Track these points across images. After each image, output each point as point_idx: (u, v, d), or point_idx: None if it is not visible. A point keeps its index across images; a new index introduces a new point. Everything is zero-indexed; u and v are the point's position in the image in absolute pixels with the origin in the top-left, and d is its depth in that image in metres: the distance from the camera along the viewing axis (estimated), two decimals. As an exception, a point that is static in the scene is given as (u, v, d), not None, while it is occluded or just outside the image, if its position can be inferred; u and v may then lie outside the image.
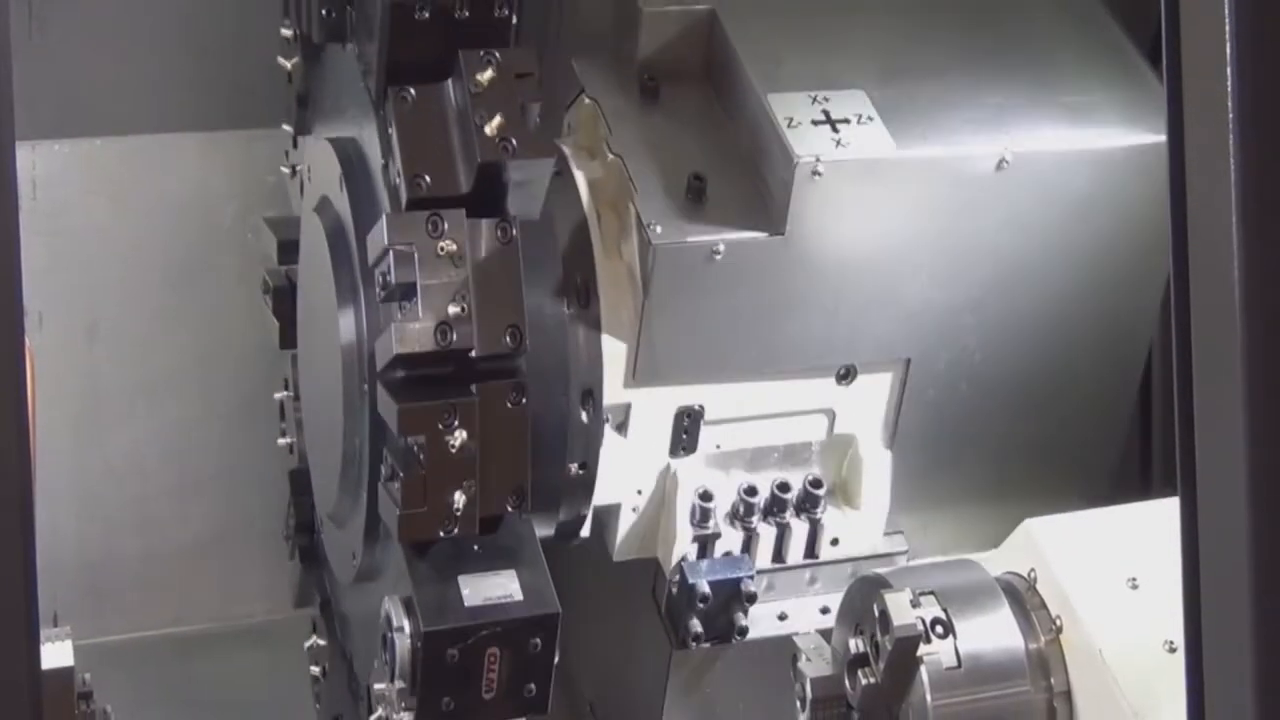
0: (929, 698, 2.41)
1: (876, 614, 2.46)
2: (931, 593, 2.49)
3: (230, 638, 3.99)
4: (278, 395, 3.41)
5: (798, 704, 2.61)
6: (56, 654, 2.37)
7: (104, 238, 3.76)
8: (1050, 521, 2.57)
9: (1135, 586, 2.44)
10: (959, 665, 2.43)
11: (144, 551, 3.93)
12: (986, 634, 2.47)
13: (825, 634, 2.67)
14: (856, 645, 2.51)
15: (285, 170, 3.36)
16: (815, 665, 2.61)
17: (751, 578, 2.99)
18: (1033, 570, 2.52)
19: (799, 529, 3.04)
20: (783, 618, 3.08)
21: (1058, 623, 2.45)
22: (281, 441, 3.43)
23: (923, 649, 2.43)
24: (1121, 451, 3.29)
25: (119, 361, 3.83)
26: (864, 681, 2.49)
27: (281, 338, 3.29)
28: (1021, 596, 2.52)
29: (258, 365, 3.66)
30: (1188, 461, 1.68)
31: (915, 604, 2.46)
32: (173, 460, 3.91)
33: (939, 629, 2.44)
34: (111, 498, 3.89)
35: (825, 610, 3.07)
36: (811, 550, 3.07)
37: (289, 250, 3.25)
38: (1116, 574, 2.46)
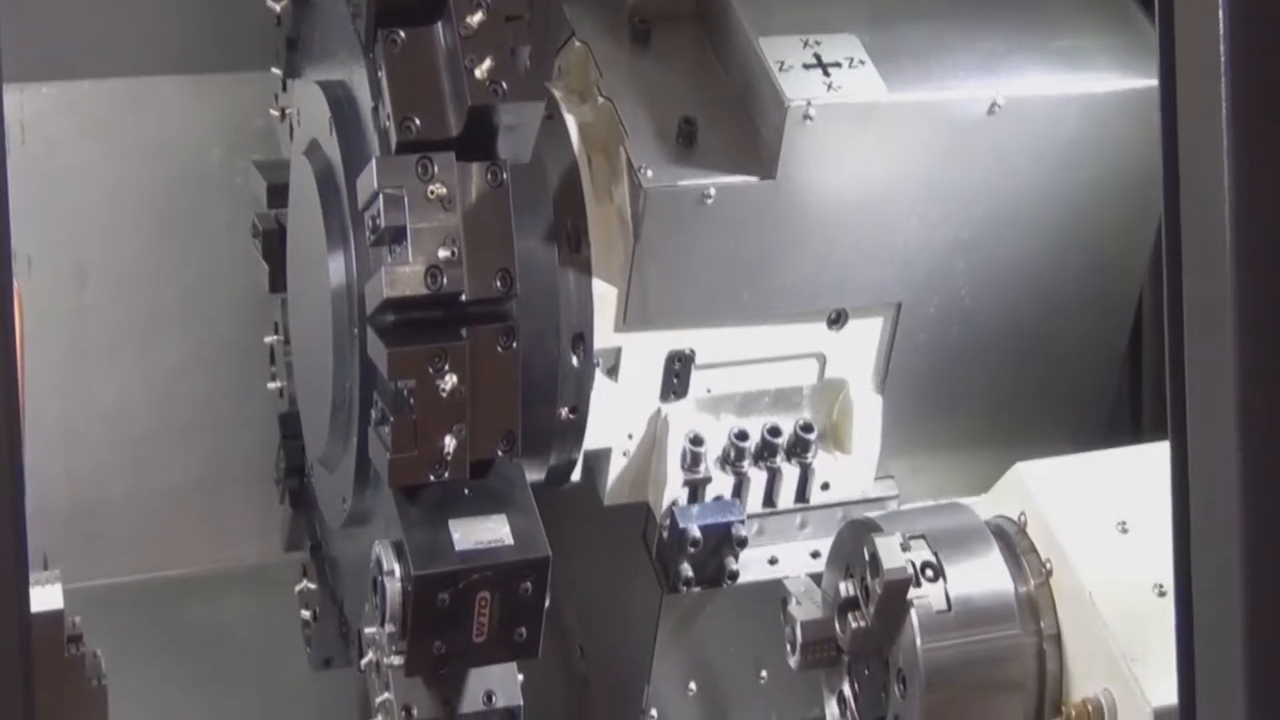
0: (919, 641, 2.41)
1: (867, 557, 2.46)
2: (922, 536, 2.49)
3: (220, 581, 3.99)
4: (268, 339, 3.40)
5: (788, 647, 2.61)
6: (46, 597, 2.37)
7: (93, 181, 3.74)
8: (1040, 465, 2.57)
9: (1125, 530, 2.45)
10: (949, 609, 2.44)
11: (133, 495, 3.93)
12: (976, 577, 2.47)
13: (816, 578, 2.68)
14: (846, 589, 2.52)
15: (274, 113, 3.34)
16: (805, 609, 2.61)
17: (742, 522, 2.99)
18: (1023, 514, 2.52)
19: (790, 473, 3.04)
20: (773, 562, 3.08)
21: (1048, 566, 2.46)
22: (271, 385, 3.42)
23: (913, 592, 2.43)
24: (1112, 395, 3.29)
25: (108, 305, 3.82)
26: (854, 625, 2.49)
27: (271, 282, 3.29)
28: (1011, 540, 2.52)
29: (247, 309, 3.65)
30: (1178, 405, 1.68)
31: (905, 548, 2.46)
32: (162, 404, 3.90)
33: (929, 572, 2.45)
34: (101, 441, 3.88)
35: (816, 554, 3.08)
36: (802, 495, 3.07)
37: (278, 194, 3.24)
38: (1106, 517, 2.47)
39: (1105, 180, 3.02)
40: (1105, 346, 3.22)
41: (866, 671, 2.56)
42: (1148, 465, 2.47)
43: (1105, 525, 2.46)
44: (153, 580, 3.94)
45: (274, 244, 3.26)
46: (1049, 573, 2.46)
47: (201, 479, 3.98)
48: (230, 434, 3.92)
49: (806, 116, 2.79)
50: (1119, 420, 3.40)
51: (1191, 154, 1.65)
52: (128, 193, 3.77)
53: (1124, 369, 3.35)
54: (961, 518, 2.56)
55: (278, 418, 3.40)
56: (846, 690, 2.60)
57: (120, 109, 3.74)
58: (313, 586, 3.35)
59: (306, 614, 3.39)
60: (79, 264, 3.80)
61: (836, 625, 2.54)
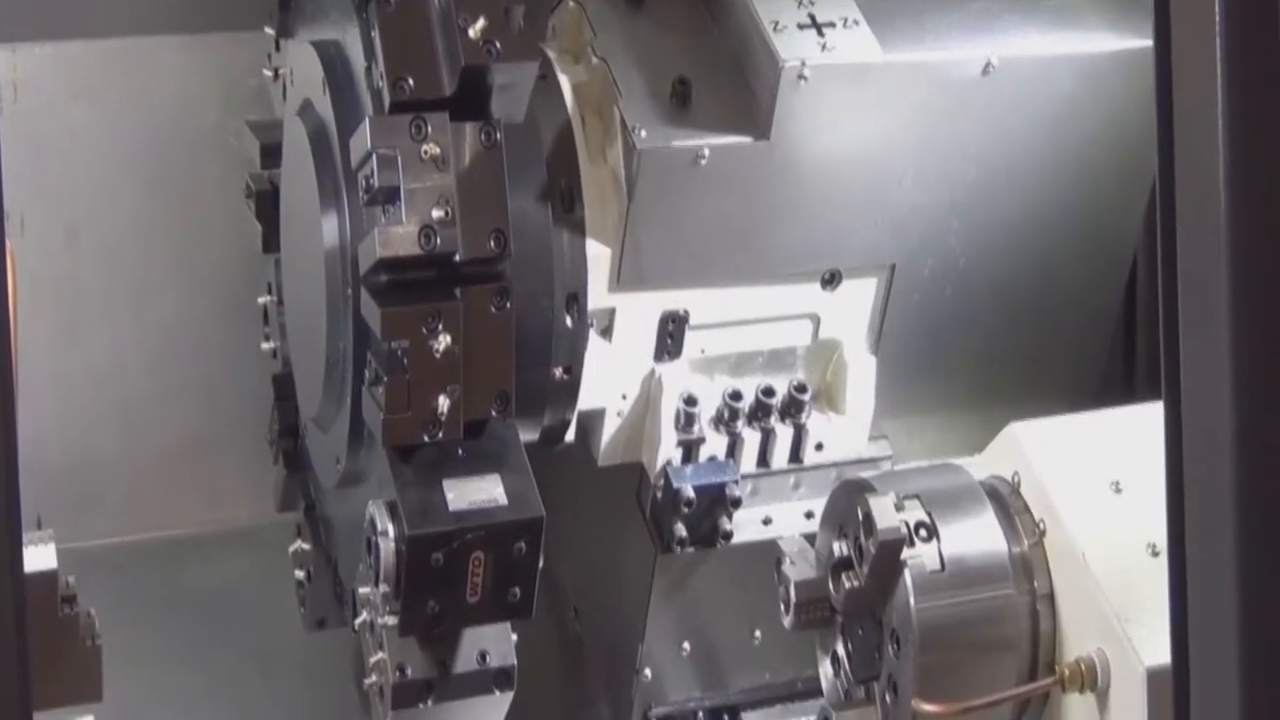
0: (912, 601, 2.42)
1: (860, 518, 2.46)
2: (915, 496, 2.49)
3: (214, 542, 3.99)
4: (261, 300, 3.40)
5: (782, 607, 2.62)
6: (39, 557, 2.37)
7: (85, 141, 3.74)
8: (1034, 425, 2.57)
9: (1119, 490, 2.45)
10: (942, 568, 2.44)
11: (127, 456, 3.93)
12: (970, 537, 2.48)
13: (810, 538, 2.68)
14: (840, 549, 2.52)
15: (268, 73, 3.34)
16: (799, 569, 2.62)
17: (736, 482, 2.99)
18: (1016, 474, 2.52)
19: (783, 434, 3.04)
20: (767, 522, 3.08)
21: (1041, 526, 2.46)
22: (265, 346, 3.41)
23: (906, 552, 2.43)
24: (1106, 355, 3.29)
25: (101, 265, 3.81)
26: (848, 585, 2.49)
27: (264, 242, 3.28)
28: (1005, 500, 2.52)
29: (240, 269, 3.64)
30: (1172, 365, 1.69)
31: (899, 508, 2.46)
32: (155, 364, 3.90)
33: (922, 532, 2.45)
34: (93, 402, 3.88)
35: (809, 515, 3.08)
36: (796, 455, 3.07)
37: (271, 154, 3.23)
38: (1100, 477, 2.47)
39: (1100, 140, 3.01)
40: (1099, 307, 3.22)
41: (860, 631, 2.56)
42: (1141, 425, 2.47)
43: (1099, 485, 2.46)
44: (146, 541, 3.94)
45: (267, 204, 3.24)
46: (1042, 533, 2.46)
47: (195, 440, 3.98)
48: (223, 394, 3.92)
49: (801, 77, 2.79)
50: (1113, 380, 3.40)
51: (1186, 114, 1.65)
52: (120, 153, 3.76)
53: (1118, 329, 3.35)
54: (955, 478, 2.57)
55: (271, 378, 3.40)
56: (840, 650, 2.61)
57: (113, 69, 3.73)
58: (306, 547, 3.35)
59: (300, 574, 3.39)
60: (72, 224, 3.80)
61: (830, 585, 2.54)
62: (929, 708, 2.38)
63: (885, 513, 2.44)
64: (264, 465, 3.49)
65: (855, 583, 2.48)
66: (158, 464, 3.96)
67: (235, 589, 3.87)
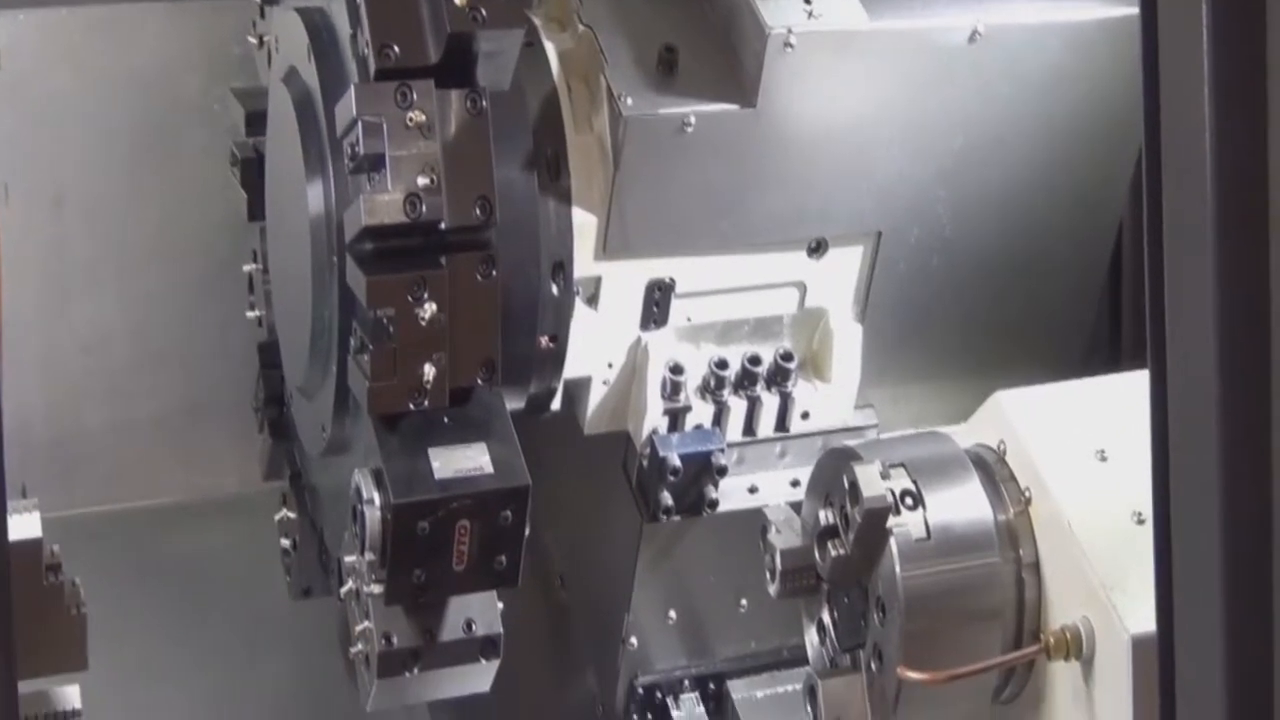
0: (898, 569, 2.42)
1: (846, 486, 2.46)
2: (901, 465, 2.49)
3: (200, 511, 3.99)
4: (246, 268, 3.39)
5: (767, 575, 2.62)
6: (24, 525, 2.36)
7: (70, 109, 3.73)
8: (1020, 394, 2.57)
9: (1104, 458, 2.45)
10: (928, 537, 2.44)
11: (112, 424, 3.92)
12: (956, 506, 2.47)
13: (795, 506, 2.68)
14: (826, 517, 2.52)
15: (253, 40, 3.32)
16: (785, 537, 2.62)
17: (722, 451, 2.99)
18: (1002, 442, 2.52)
19: (769, 402, 3.04)
20: (753, 491, 3.08)
21: (1027, 494, 2.46)
22: (250, 314, 3.40)
23: (892, 521, 2.43)
24: (1092, 324, 3.29)
25: (86, 233, 3.81)
26: (833, 553, 2.49)
27: (249, 210, 3.26)
28: (991, 468, 2.52)
29: (225, 237, 3.64)
30: (1157, 333, 1.69)
31: (885, 476, 2.46)
32: (141, 333, 3.89)
33: (908, 501, 2.45)
34: (79, 370, 3.87)
35: (795, 483, 3.08)
36: (782, 423, 3.07)
37: (256, 121, 3.21)
38: (1085, 446, 2.47)
39: (1086, 108, 3.01)
40: (1085, 276, 3.22)
41: (846, 599, 2.56)
42: (1127, 394, 2.47)
43: (1084, 454, 2.46)
44: (132, 510, 3.94)
45: (252, 172, 3.23)
46: (1028, 501, 2.46)
47: (180, 408, 3.97)
48: (209, 363, 3.91)
49: (787, 44, 2.78)
50: (1098, 349, 3.41)
51: (1173, 81, 1.64)
52: (105, 120, 3.75)
53: (1104, 297, 3.35)
54: (941, 446, 2.57)
55: (257, 347, 3.39)
56: (826, 618, 2.61)
57: (98, 36, 3.72)
58: (292, 515, 3.34)
59: (286, 543, 3.39)
60: (56, 192, 3.79)
61: (816, 553, 2.54)
62: (914, 675, 2.38)
63: (871, 481, 2.44)
64: (250, 434, 3.48)
65: (841, 551, 2.48)
66: (143, 432, 3.95)
67: (221, 557, 3.87)
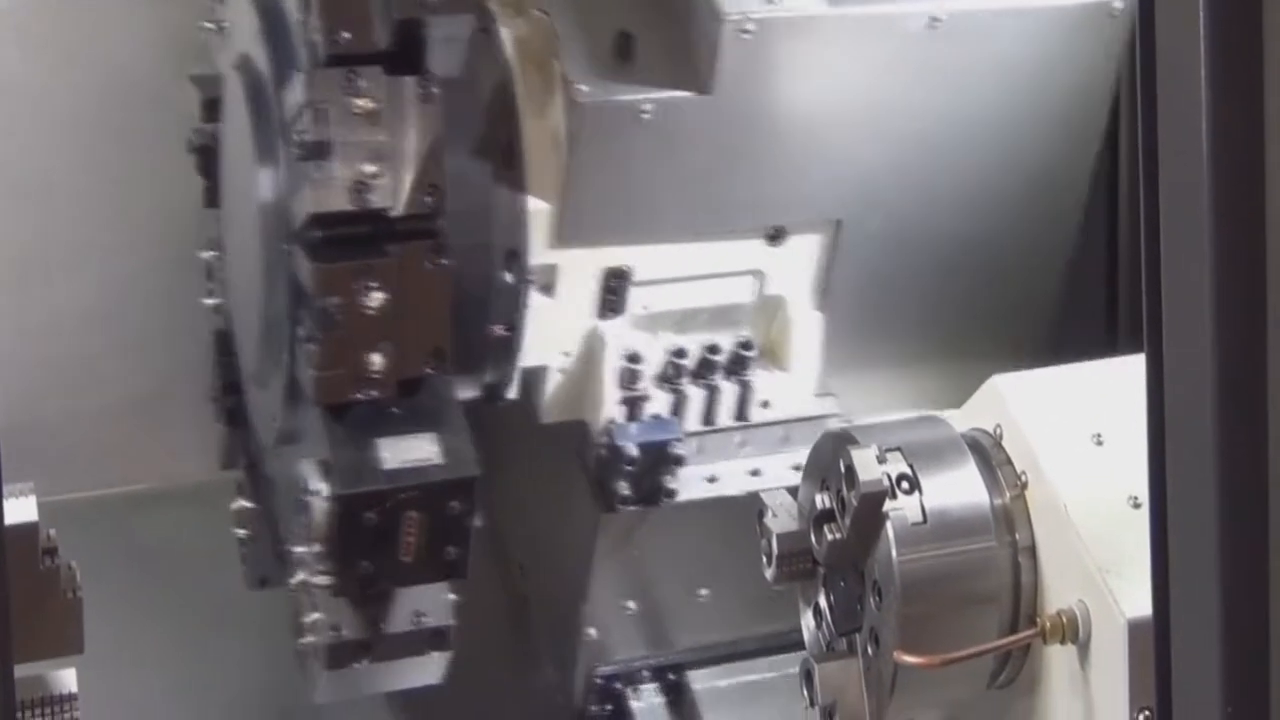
0: (894, 553, 2.39)
1: (842, 470, 2.44)
2: (898, 449, 2.46)
3: (160, 499, 3.96)
4: (204, 254, 3.37)
5: (763, 559, 2.60)
6: (20, 509, 2.36)
7: (28, 94, 3.70)
8: (1016, 378, 2.55)
9: (1100, 442, 2.43)
10: (924, 521, 2.41)
11: (71, 412, 3.89)
12: (952, 490, 2.45)
13: (792, 491, 2.66)
14: (822, 501, 2.50)
15: (210, 26, 3.30)
16: (781, 521, 2.59)
17: (680, 440, 2.98)
18: (998, 426, 2.50)
19: (729, 391, 3.03)
20: (712, 480, 3.07)
21: (1023, 478, 2.44)
22: (208, 302, 3.38)
23: (888, 505, 2.41)
24: (1056, 310, 3.27)
25: (46, 221, 3.78)
26: (829, 537, 2.47)
27: (207, 196, 3.25)
28: (987, 452, 2.50)
29: (186, 224, 3.60)
30: (1154, 317, 1.68)
31: (881, 460, 2.43)
32: (101, 320, 3.87)
33: (905, 485, 2.43)
34: (38, 359, 3.84)
35: (755, 473, 3.07)
36: (741, 412, 3.06)
37: (214, 108, 3.20)
38: (1082, 430, 2.45)
39: (1047, 95, 2.99)
40: (1046, 262, 3.20)
41: (842, 584, 2.54)
42: (1123, 378, 2.44)
43: (1080, 438, 2.45)
44: (91, 498, 3.91)
45: (209, 159, 3.22)
46: (1024, 485, 2.45)
47: (140, 396, 3.94)
48: (169, 351, 3.88)
49: (744, 31, 2.76)
50: (1094, 333, 3.39)
51: (1169, 67, 1.63)
52: (64, 106, 3.72)
53: (1077, 282, 3.33)
54: (937, 430, 2.54)
55: (214, 334, 3.37)
56: (822, 602, 2.59)
57: (57, 21, 3.69)
58: (248, 505, 3.33)
59: (242, 533, 3.37)
60: (14, 178, 3.76)
61: (812, 537, 2.52)
62: (911, 659, 2.36)
63: (867, 465, 2.41)
64: (210, 421, 3.46)
65: (837, 535, 2.46)
66: (102, 421, 3.93)
67: (182, 545, 3.85)
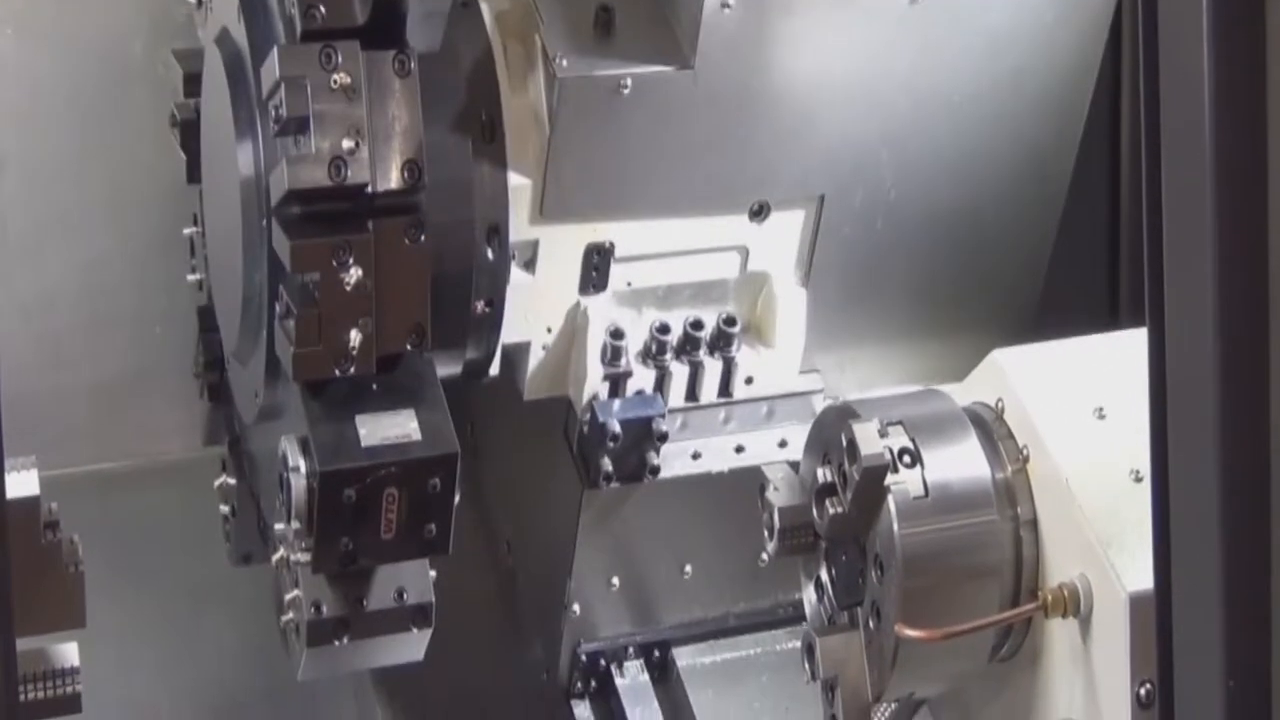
0: (896, 527, 2.39)
1: (844, 444, 2.43)
2: (899, 423, 2.46)
3: (144, 475, 3.96)
4: (186, 231, 3.36)
5: (765, 533, 2.59)
6: (22, 483, 2.36)
7: (11, 70, 3.69)
8: (1017, 352, 2.55)
9: (1102, 416, 2.43)
10: (926, 495, 2.41)
11: (57, 389, 3.89)
12: (954, 463, 2.45)
13: (794, 464, 2.65)
14: (824, 475, 2.49)
15: (192, 0, 3.28)
16: (783, 495, 2.58)
17: (663, 416, 2.97)
18: (1000, 400, 2.50)
19: (712, 367, 3.02)
20: (696, 457, 3.07)
21: (1024, 452, 2.44)
22: (191, 278, 3.37)
23: (890, 478, 2.41)
24: (1041, 286, 3.26)
25: (29, 196, 3.77)
26: (831, 511, 2.47)
27: (189, 172, 3.23)
28: (989, 426, 2.50)
29: (171, 200, 3.59)
30: (1156, 291, 1.68)
31: (883, 434, 2.43)
32: (85, 297, 3.86)
33: (906, 459, 2.42)
34: (23, 335, 3.84)
35: (740, 449, 3.07)
36: (725, 389, 3.05)
37: (195, 83, 3.18)
38: (1083, 404, 2.45)
39: (1031, 69, 2.98)
40: (1032, 236, 3.18)
41: (844, 557, 2.54)
42: (1125, 352, 2.44)
43: (1082, 411, 2.44)
44: (77, 474, 3.90)
45: (191, 134, 3.20)
46: (1026, 459, 2.44)
47: (125, 373, 3.94)
48: (154, 327, 3.88)
49: (725, 5, 2.74)
50: (1096, 306, 3.38)
51: (1171, 36, 1.62)
52: (48, 82, 3.71)
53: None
54: (939, 404, 2.54)
55: (196, 311, 3.36)
56: (824, 576, 2.59)
57: (40, -3, 3.68)
58: (231, 482, 3.32)
59: (225, 509, 3.36)
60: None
61: (814, 511, 2.52)
62: (912, 633, 2.36)
63: (869, 439, 2.41)
64: (195, 398, 3.46)
65: (839, 509, 2.46)
66: (88, 397, 3.93)
67: (166, 522, 3.85)
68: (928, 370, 3.10)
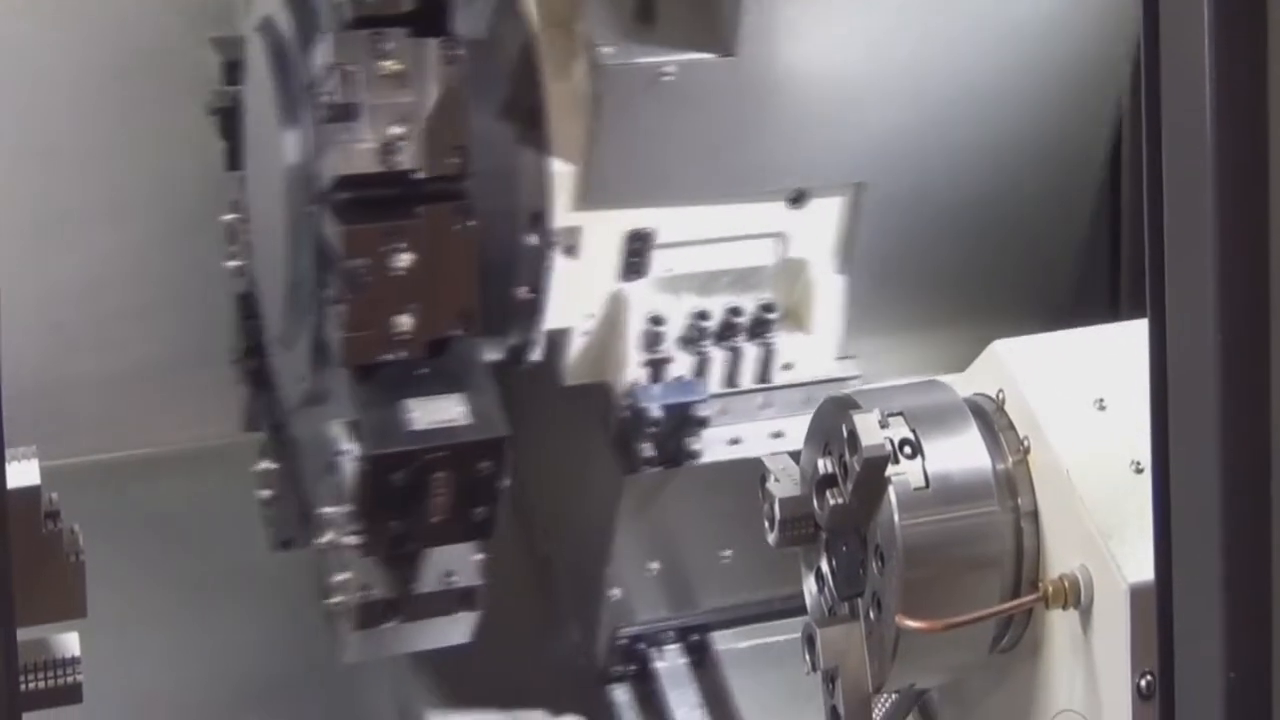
0: (897, 518, 2.39)
1: (845, 434, 2.43)
2: (900, 413, 2.46)
3: (183, 460, 3.97)
4: (225, 217, 3.37)
5: (765, 524, 2.60)
6: (23, 473, 2.36)
7: (52, 57, 3.70)
8: (1018, 342, 2.55)
9: (1103, 407, 2.43)
10: (927, 486, 2.41)
11: (97, 375, 3.90)
12: (954, 454, 2.45)
13: (794, 455, 2.67)
14: (825, 466, 2.49)
15: (232, -12, 3.31)
16: (783, 486, 2.59)
17: (703, 402, 2.99)
18: (1001, 391, 2.50)
19: (751, 353, 3.03)
20: (735, 442, 3.08)
21: (1025, 443, 2.44)
22: (230, 265, 3.39)
23: (891, 469, 2.41)
24: (1076, 272, 3.27)
25: (69, 183, 3.78)
26: (832, 502, 2.46)
27: (228, 159, 3.26)
28: (989, 417, 2.50)
29: (210, 187, 3.61)
30: (1156, 282, 1.67)
31: (884, 425, 2.43)
32: (126, 283, 3.88)
33: (907, 449, 2.42)
34: (64, 320, 3.86)
35: (778, 434, 3.08)
36: (764, 374, 3.06)
37: (235, 70, 3.20)
38: (1084, 395, 2.45)
39: (1068, 55, 2.99)
40: (1069, 224, 3.20)
41: (844, 548, 2.54)
42: (1126, 342, 2.44)
43: (1083, 402, 2.44)
44: (117, 459, 3.92)
45: (231, 121, 3.22)
46: (1026, 450, 2.44)
47: (165, 358, 3.95)
48: (193, 313, 3.89)
49: (767, -9, 2.76)
50: (1096, 297, 3.39)
51: (1172, 22, 1.63)
52: (87, 69, 3.72)
53: (1099, 245, 3.33)
54: (940, 395, 2.54)
55: (236, 297, 3.37)
56: (824, 567, 2.59)
57: (78, -15, 3.70)
58: (272, 466, 3.33)
59: (266, 494, 3.38)
60: (40, 141, 3.76)
61: (814, 502, 2.52)
62: (913, 624, 2.36)
63: (870, 430, 2.41)
64: (227, 385, 3.47)
65: (839, 500, 2.46)
66: (128, 382, 3.94)
67: (205, 507, 3.85)
68: (963, 357, 3.09)
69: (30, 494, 2.35)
